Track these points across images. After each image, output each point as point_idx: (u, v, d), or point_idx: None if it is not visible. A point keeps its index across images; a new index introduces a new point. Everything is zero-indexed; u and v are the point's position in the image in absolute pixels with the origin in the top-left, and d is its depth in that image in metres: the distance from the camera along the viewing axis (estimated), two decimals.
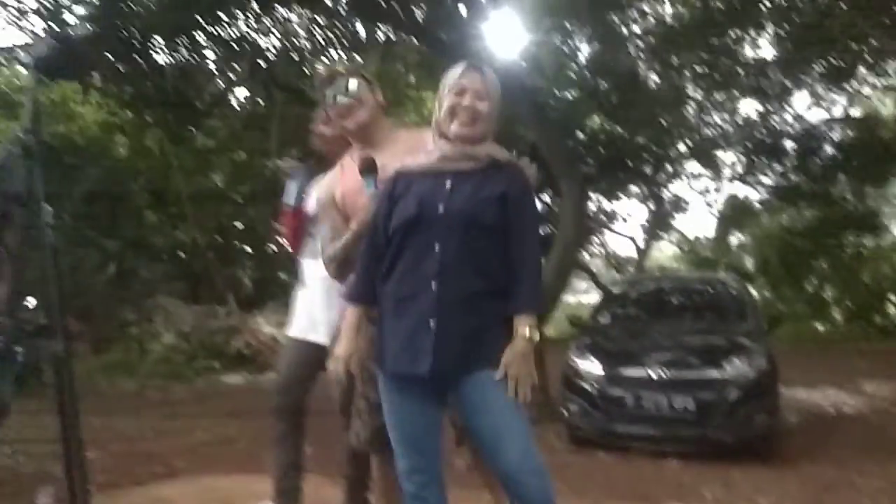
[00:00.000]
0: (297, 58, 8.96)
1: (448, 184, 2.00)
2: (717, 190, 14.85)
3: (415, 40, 9.12)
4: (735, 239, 16.78)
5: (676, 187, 14.50)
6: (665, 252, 17.85)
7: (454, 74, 2.07)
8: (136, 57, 8.02)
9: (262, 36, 8.64)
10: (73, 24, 7.29)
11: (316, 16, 8.67)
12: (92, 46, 7.73)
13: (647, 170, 12.62)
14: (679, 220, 15.69)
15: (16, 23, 7.55)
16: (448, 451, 2.13)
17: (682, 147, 13.15)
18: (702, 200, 15.23)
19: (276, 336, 9.32)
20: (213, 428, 5.85)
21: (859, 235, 14.84)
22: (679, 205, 14.76)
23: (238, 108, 9.40)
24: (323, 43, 9.13)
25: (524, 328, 1.91)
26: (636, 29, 10.33)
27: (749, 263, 16.39)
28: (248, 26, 8.35)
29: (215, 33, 8.02)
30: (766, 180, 13.78)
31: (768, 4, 9.05)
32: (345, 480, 2.88)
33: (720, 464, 4.61)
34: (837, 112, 13.08)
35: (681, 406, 4.83)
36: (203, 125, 9.00)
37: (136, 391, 8.30)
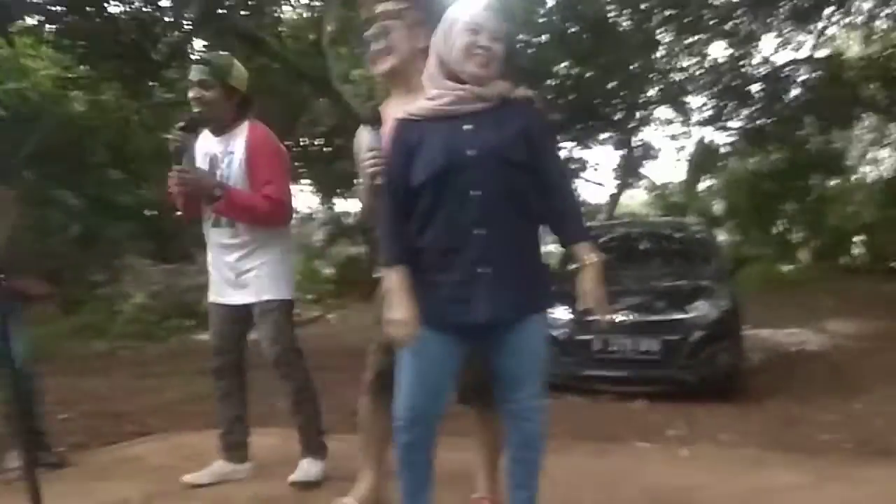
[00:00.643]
0: (255, 4, 8.67)
1: (468, 126, 1.93)
2: (686, 135, 14.93)
3: None
4: (705, 184, 16.91)
5: (647, 133, 14.53)
6: (636, 198, 17.97)
7: (467, 12, 1.98)
8: (89, 8, 7.73)
9: None
10: None
11: None
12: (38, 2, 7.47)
13: (618, 116, 12.56)
14: (650, 166, 15.76)
15: None
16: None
17: (651, 92, 13.10)
18: (672, 146, 15.30)
19: None
20: (184, 386, 5.83)
21: (825, 177, 15.04)
22: (649, 151, 14.81)
23: (196, 60, 9.11)
24: None
25: (589, 256, 1.92)
26: None
27: (718, 208, 16.57)
28: None
29: None
30: (735, 124, 13.83)
31: None
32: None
33: (685, 403, 4.74)
34: (804, 54, 13.10)
35: (646, 348, 4.94)
36: (161, 78, 8.72)
37: (107, 352, 8.25)
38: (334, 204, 16.48)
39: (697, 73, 13.25)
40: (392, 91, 2.42)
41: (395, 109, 2.23)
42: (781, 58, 13.26)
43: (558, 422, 4.51)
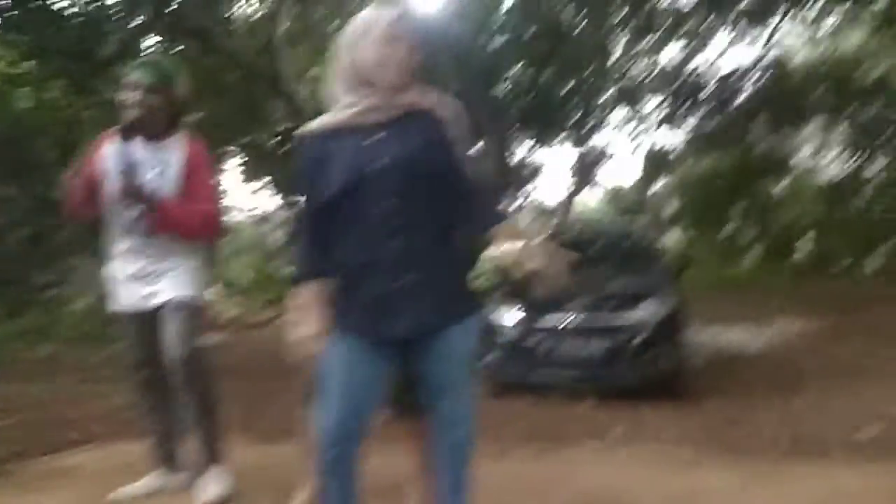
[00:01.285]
0: (209, 2, 8.53)
1: (377, 137, 1.92)
2: (640, 137, 15.17)
3: None
4: (658, 185, 17.21)
5: (602, 135, 14.71)
6: (592, 200, 18.23)
7: (383, 21, 1.94)
8: (33, 4, 7.52)
9: None
10: None
11: None
12: None
13: (573, 118, 12.70)
14: (606, 168, 15.99)
15: None
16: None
17: (606, 95, 13.28)
18: (627, 148, 15.55)
19: None
20: (130, 391, 5.71)
21: (775, 178, 15.42)
22: (604, 153, 14.99)
23: (143, 62, 8.95)
24: None
25: (512, 234, 1.95)
26: None
27: (671, 209, 16.88)
28: None
29: None
30: (687, 126, 14.12)
31: None
32: None
33: (630, 404, 4.83)
34: (755, 56, 13.43)
35: (592, 351, 5.02)
36: (108, 75, 8.52)
37: (52, 356, 8.04)
38: (293, 204, 16.27)
39: (651, 75, 13.48)
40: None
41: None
42: (733, 61, 13.62)
43: (506, 424, 4.60)
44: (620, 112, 14.21)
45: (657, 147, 15.33)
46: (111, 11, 7.99)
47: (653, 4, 11.21)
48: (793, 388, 5.38)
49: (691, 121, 13.87)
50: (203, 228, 2.82)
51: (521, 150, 13.58)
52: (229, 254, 14.65)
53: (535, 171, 14.80)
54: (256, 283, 14.54)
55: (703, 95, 13.44)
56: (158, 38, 8.31)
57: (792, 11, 11.74)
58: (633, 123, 14.61)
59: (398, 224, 1.88)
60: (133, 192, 2.71)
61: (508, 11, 10.64)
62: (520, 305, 5.41)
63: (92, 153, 2.89)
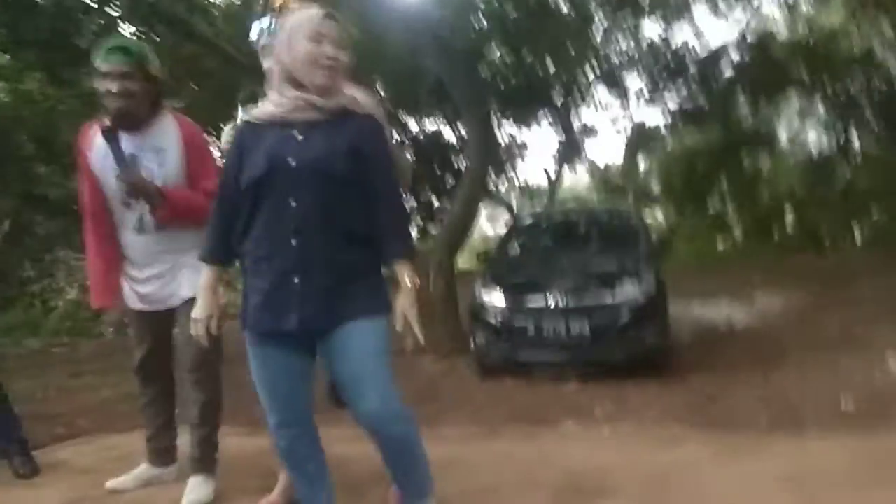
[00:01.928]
0: None
1: (298, 136, 1.94)
2: (624, 116, 15.21)
3: None
4: (643, 164, 17.27)
5: (586, 115, 14.72)
6: (577, 180, 18.25)
7: (309, 20, 1.96)
8: None
9: None
10: None
11: None
12: None
13: (556, 98, 12.71)
14: (591, 149, 16.00)
15: None
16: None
17: (590, 74, 13.29)
18: (611, 127, 15.57)
19: None
20: (118, 385, 5.72)
21: (756, 154, 15.51)
22: (588, 132, 15.01)
23: (109, 48, 8.85)
24: None
25: (403, 277, 1.95)
26: None
27: (655, 186, 16.95)
28: None
29: None
30: (670, 104, 14.16)
31: None
32: None
33: (615, 383, 4.89)
34: (735, 32, 13.45)
35: (577, 331, 5.08)
36: (86, 66, 8.42)
37: (40, 350, 8.04)
38: None
39: (633, 52, 13.47)
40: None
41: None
42: (714, 37, 13.63)
43: (493, 406, 4.67)
44: (604, 91, 14.23)
45: (641, 125, 15.37)
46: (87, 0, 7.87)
47: None
48: (775, 363, 5.43)
49: (674, 98, 13.90)
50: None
51: (506, 131, 13.59)
52: None
53: (519, 151, 14.81)
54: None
55: (685, 72, 13.46)
56: (135, 27, 8.18)
57: None
58: (617, 102, 14.63)
59: (299, 222, 1.90)
60: (136, 187, 2.62)
61: None
62: (505, 286, 5.45)
63: (79, 150, 2.79)
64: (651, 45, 13.35)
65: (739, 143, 14.74)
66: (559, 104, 12.90)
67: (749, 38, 13.30)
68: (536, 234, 7.01)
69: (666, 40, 13.23)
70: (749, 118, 14.53)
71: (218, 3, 9.87)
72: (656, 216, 15.87)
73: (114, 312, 2.91)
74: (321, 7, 2.07)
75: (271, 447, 2.52)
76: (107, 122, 2.66)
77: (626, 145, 16.19)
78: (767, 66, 13.03)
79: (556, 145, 14.57)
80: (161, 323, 2.86)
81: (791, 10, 13.36)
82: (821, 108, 14.92)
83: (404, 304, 1.94)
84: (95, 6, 7.55)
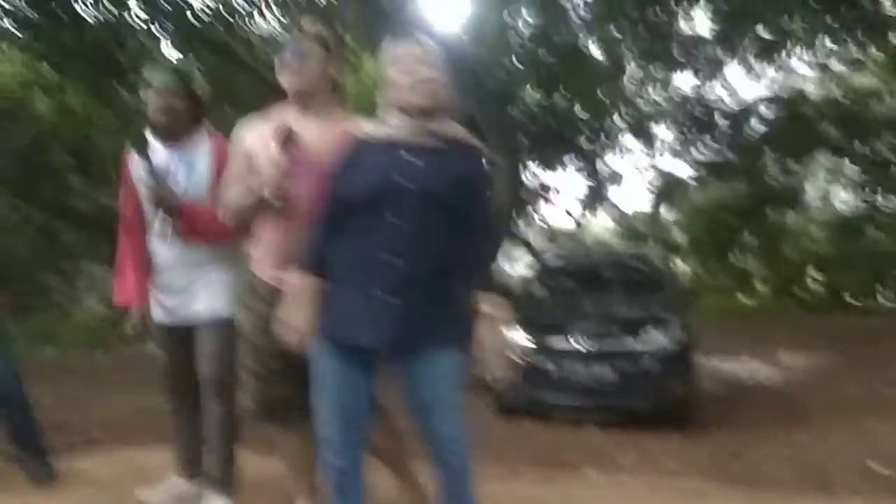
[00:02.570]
0: (228, 17, 8.64)
1: (410, 159, 1.97)
2: (651, 165, 15.21)
3: (353, 3, 8.94)
4: (667, 213, 17.20)
5: (612, 161, 14.76)
6: (601, 225, 18.19)
7: (404, 48, 2.05)
8: (57, 10, 7.63)
9: None
10: None
11: None
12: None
13: (584, 142, 12.77)
14: (615, 194, 15.98)
15: None
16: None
17: (618, 120, 13.34)
18: (637, 174, 15.56)
19: None
20: (134, 398, 5.70)
21: (783, 211, 15.41)
22: (615, 178, 15.01)
23: (160, 69, 9.10)
24: (258, 2, 8.84)
25: (487, 307, 1.95)
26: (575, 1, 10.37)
27: (679, 237, 16.85)
28: None
29: None
30: (697, 155, 14.14)
31: None
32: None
33: (637, 431, 4.80)
34: (766, 89, 13.48)
35: (601, 376, 5.01)
36: (127, 82, 8.61)
37: (57, 359, 8.06)
38: None
39: (662, 103, 13.54)
40: (295, 107, 2.38)
41: (295, 124, 2.27)
42: (745, 92, 13.65)
43: (513, 446, 4.58)
44: (631, 138, 14.27)
45: (667, 174, 15.35)
46: (132, 19, 8.09)
47: (666, 33, 11.30)
48: (799, 422, 5.34)
49: (702, 150, 13.89)
50: (232, 231, 2.67)
51: (533, 173, 13.62)
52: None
53: (545, 194, 14.82)
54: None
55: (714, 126, 13.49)
56: (177, 47, 8.40)
57: (800, 49, 11.81)
58: (644, 150, 14.66)
59: (401, 244, 1.93)
60: (161, 199, 2.67)
61: (523, 35, 10.75)
62: (528, 326, 5.40)
63: (125, 162, 2.89)
64: (681, 97, 13.43)
65: (766, 198, 14.65)
66: (587, 149, 12.96)
67: (779, 95, 13.34)
68: (561, 275, 6.96)
69: (696, 93, 13.32)
70: (777, 174, 14.48)
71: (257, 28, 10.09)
72: (679, 267, 15.75)
73: (136, 313, 2.90)
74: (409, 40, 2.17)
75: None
76: (146, 133, 2.76)
77: (652, 194, 16.17)
78: (797, 124, 13.02)
79: (582, 189, 14.62)
80: (184, 337, 2.85)
81: (823, 69, 13.40)
82: (849, 168, 14.85)
83: (485, 334, 1.94)
84: (143, 25, 7.74)
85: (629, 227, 16.95)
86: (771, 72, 12.84)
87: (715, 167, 14.24)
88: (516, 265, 12.17)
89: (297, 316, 1.99)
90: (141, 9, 8.08)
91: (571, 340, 5.16)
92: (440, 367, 1.96)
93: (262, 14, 9.26)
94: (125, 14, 7.98)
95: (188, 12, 8.04)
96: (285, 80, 2.32)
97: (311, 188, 2.13)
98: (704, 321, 7.48)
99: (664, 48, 11.53)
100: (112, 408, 5.51)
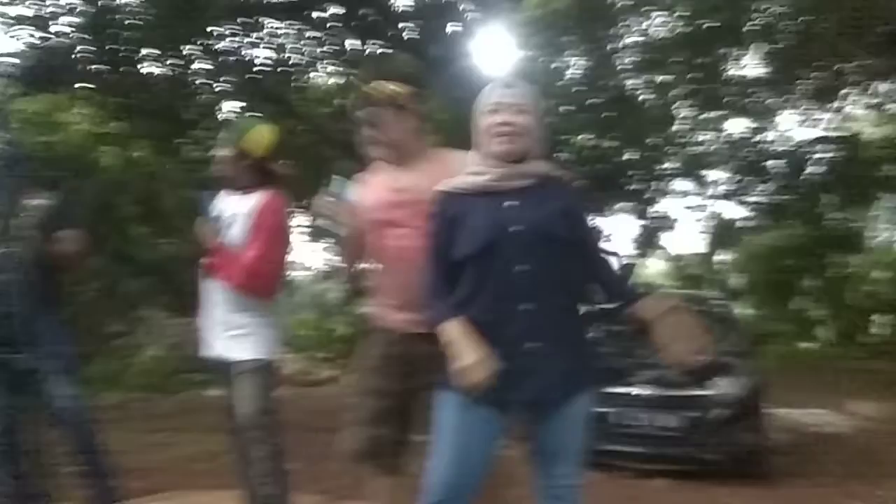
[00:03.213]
0: (287, 70, 8.97)
1: (509, 203, 1.97)
2: (704, 208, 14.96)
3: (404, 55, 9.18)
4: (722, 257, 16.86)
5: (664, 204, 14.60)
6: (653, 269, 17.91)
7: (489, 93, 2.06)
8: (124, 67, 8.02)
9: (251, 48, 8.66)
10: (54, 35, 7.31)
11: (306, 30, 8.71)
12: (75, 58, 7.76)
13: (635, 186, 12.68)
14: (667, 238, 15.76)
15: (6, 32, 7.55)
16: None
17: (669, 165, 13.24)
18: (690, 218, 15.33)
19: None
20: (195, 442, 5.78)
21: (844, 255, 14.94)
22: (667, 222, 14.81)
23: (227, 123, 9.46)
24: (313, 56, 9.16)
25: (659, 301, 1.99)
26: (625, 45, 10.45)
27: (735, 281, 16.47)
28: (238, 39, 8.37)
29: (206, 45, 8.03)
30: (753, 199, 13.88)
31: (753, 24, 9.18)
32: None
33: (705, 483, 4.60)
34: (823, 131, 13.22)
35: (665, 424, 4.83)
36: (190, 136, 8.96)
37: (119, 404, 8.21)
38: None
39: (715, 147, 13.39)
40: (385, 161, 2.45)
41: (385, 178, 2.37)
42: (800, 135, 13.41)
43: None
44: (684, 182, 14.11)
45: (722, 218, 15.08)
46: (197, 76, 8.45)
47: (717, 77, 11.26)
48: (878, 475, 5.07)
49: (758, 193, 13.63)
50: (244, 285, 2.81)
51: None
52: (287, 311, 14.91)
53: (597, 237, 14.73)
54: (314, 341, 14.68)
55: (768, 169, 13.26)
56: (239, 102, 8.72)
57: (857, 92, 11.62)
58: (697, 194, 14.47)
59: (528, 289, 1.90)
60: (202, 238, 2.88)
61: (573, 78, 10.85)
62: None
63: None
64: (733, 139, 13.28)
65: (826, 241, 14.26)
66: (638, 193, 12.86)
67: (836, 136, 13.06)
68: (617, 318, 6.82)
69: (750, 136, 13.16)
70: (836, 217, 14.09)
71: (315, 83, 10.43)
72: (741, 311, 15.33)
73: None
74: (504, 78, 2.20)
75: None
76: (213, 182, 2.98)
77: (706, 237, 15.90)
78: (855, 165, 12.71)
79: (633, 232, 14.47)
80: (229, 376, 2.90)
81: (879, 108, 13.12)
82: None
83: (671, 324, 1.93)
84: (209, 82, 8.06)
85: (682, 270, 16.65)
86: (826, 114, 12.64)
87: (771, 210, 13.96)
88: None
89: (468, 356, 1.88)
90: (203, 64, 8.44)
91: (633, 387, 5.01)
92: (576, 414, 1.98)
93: (318, 68, 9.61)
94: (189, 69, 8.34)
95: (249, 67, 8.36)
96: (368, 151, 2.40)
97: (420, 234, 2.15)
98: (765, 368, 7.22)
99: (715, 92, 11.49)
100: (173, 452, 5.59)
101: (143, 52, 7.86)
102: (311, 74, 9.74)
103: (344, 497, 3.95)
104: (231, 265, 2.81)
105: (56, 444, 2.56)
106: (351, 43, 8.90)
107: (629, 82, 10.98)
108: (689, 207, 14.88)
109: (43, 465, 2.82)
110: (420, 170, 2.32)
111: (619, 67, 10.56)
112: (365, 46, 8.82)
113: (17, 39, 7.51)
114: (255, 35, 8.40)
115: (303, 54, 8.96)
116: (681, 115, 12.09)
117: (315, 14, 8.39)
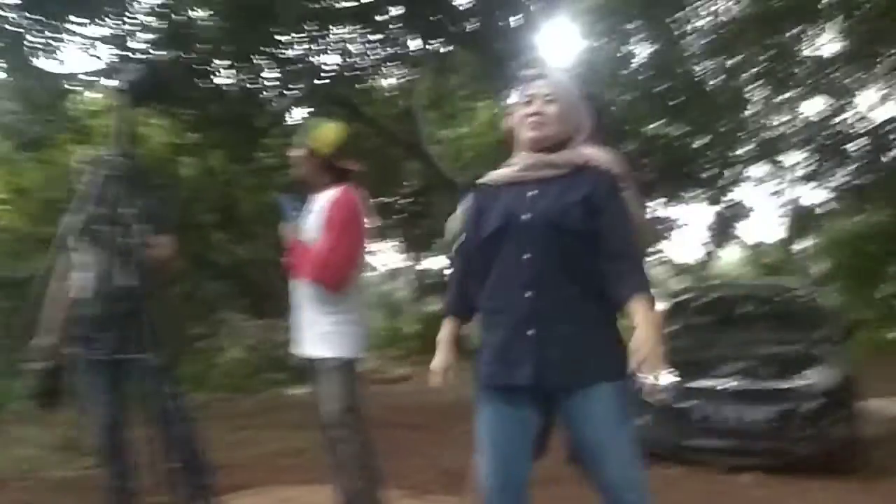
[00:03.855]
0: (352, 74, 9.13)
1: (532, 192, 1.99)
2: (781, 194, 14.43)
3: (468, 52, 9.20)
4: (802, 244, 16.18)
5: (740, 191, 14.13)
6: (729, 259, 17.34)
7: (523, 86, 2.09)
8: (199, 80, 8.32)
9: (319, 55, 8.85)
10: (133, 52, 7.64)
11: (370, 33, 8.83)
12: (157, 73, 8.09)
13: (708, 174, 12.32)
14: (743, 226, 15.25)
15: (85, 51, 7.95)
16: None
17: (743, 150, 12.81)
18: (766, 205, 14.82)
19: None
20: (279, 439, 5.96)
21: None
22: (742, 210, 14.35)
23: (298, 127, 9.70)
24: (378, 59, 9.29)
25: (640, 312, 1.84)
26: (692, 29, 10.18)
27: (817, 269, 15.78)
28: (305, 47, 8.57)
29: (275, 53, 8.25)
30: (833, 182, 13.29)
31: None
32: None
33: (797, 478, 4.43)
34: None
35: (754, 418, 4.67)
36: (263, 144, 9.23)
37: (204, 403, 8.51)
38: (420, 261, 16.76)
39: (791, 130, 12.88)
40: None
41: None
42: (882, 113, 12.75)
43: (660, 494, 4.29)
44: (759, 168, 13.63)
45: (801, 204, 14.50)
46: (268, 84, 8.70)
47: (791, 57, 10.83)
48: None
49: (839, 176, 13.04)
50: (317, 277, 2.88)
51: (656, 207, 13.28)
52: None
53: (670, 228, 14.38)
54: (384, 340, 14.89)
55: (849, 151, 12.66)
56: (308, 108, 8.93)
57: None
58: (774, 179, 13.95)
59: (532, 276, 1.91)
60: (283, 235, 2.98)
61: (640, 66, 10.63)
62: (672, 365, 5.15)
63: None
64: (810, 121, 12.75)
65: None
66: (712, 180, 12.50)
67: None
68: (698, 311, 6.63)
69: (826, 115, 12.60)
70: None
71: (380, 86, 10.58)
72: (827, 299, 14.65)
73: None
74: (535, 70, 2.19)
75: None
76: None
77: (785, 223, 15.30)
78: None
79: (708, 221, 14.08)
80: (315, 374, 2.99)
81: None
82: None
83: (641, 338, 1.79)
84: (283, 91, 8.27)
85: (760, 258, 16.09)
86: None
87: (852, 193, 13.33)
88: None
89: (435, 360, 2.08)
90: (273, 72, 8.67)
91: (719, 380, 4.86)
92: (598, 404, 1.89)
93: (382, 70, 9.75)
94: (259, 78, 8.58)
95: (317, 73, 8.54)
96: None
97: None
98: (854, 358, 6.88)
99: (789, 73, 11.06)
100: (259, 449, 5.75)
101: (216, 63, 8.12)
102: (377, 77, 9.88)
103: (429, 492, 4.00)
104: (306, 261, 2.90)
105: (155, 440, 2.68)
106: (414, 43, 8.97)
107: (698, 67, 10.67)
108: (765, 195, 14.41)
109: (143, 462, 2.99)
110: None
111: (687, 52, 10.28)
112: (427, 46, 8.88)
113: (98, 59, 7.92)
114: (321, 42, 8.58)
115: (367, 57, 9.10)
116: (754, 99, 11.67)
117: (378, 17, 8.49)
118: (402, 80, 10.09)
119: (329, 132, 3.05)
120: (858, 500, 4.08)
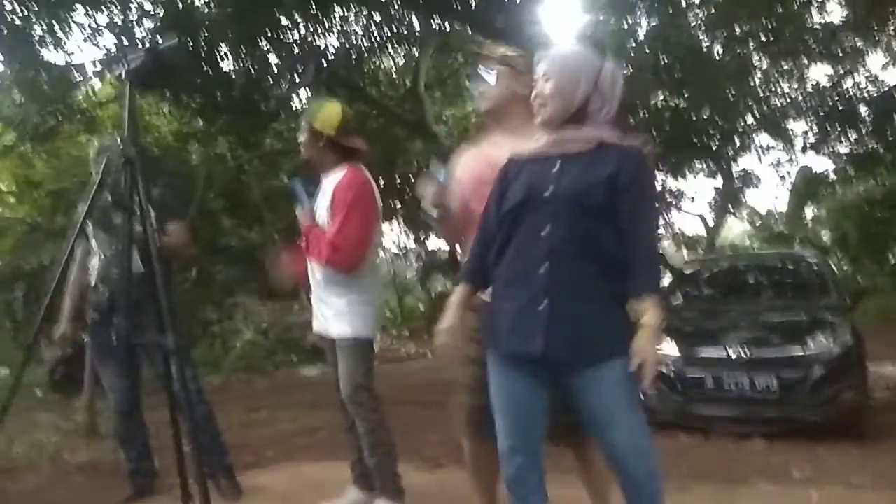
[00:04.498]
0: (355, 56, 9.11)
1: (556, 167, 2.01)
2: (789, 161, 14.34)
3: (469, 29, 9.16)
4: (810, 212, 16.10)
5: (746, 161, 14.05)
6: (736, 229, 17.28)
7: (536, 63, 2.13)
8: (204, 67, 8.33)
9: (321, 37, 8.84)
10: (139, 40, 7.65)
11: (372, 12, 8.80)
12: (164, 61, 8.08)
13: (714, 145, 12.24)
14: (750, 195, 15.18)
15: (90, 40, 7.97)
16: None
17: (749, 119, 12.71)
18: (773, 174, 14.71)
19: None
20: (295, 418, 6.07)
21: None
22: (749, 179, 14.26)
23: (302, 110, 9.69)
24: (380, 39, 9.26)
25: (645, 314, 1.86)
26: None
27: (825, 237, 15.71)
28: (307, 29, 8.55)
29: (277, 37, 8.24)
30: (841, 149, 13.18)
31: None
32: None
33: (807, 443, 4.49)
34: None
35: (763, 385, 4.71)
36: (270, 129, 9.25)
37: (220, 385, 8.65)
38: (427, 240, 16.79)
39: (798, 97, 12.76)
40: (490, 128, 2.56)
41: (490, 146, 2.45)
42: (890, 78, 12.63)
43: (672, 462, 4.39)
44: (766, 137, 13.53)
45: (809, 171, 14.39)
46: (272, 69, 8.69)
47: (797, 24, 10.71)
48: None
49: (844, 143, 12.93)
50: (329, 259, 2.92)
51: (662, 179, 13.23)
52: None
53: (676, 200, 14.34)
54: (393, 319, 15.01)
55: (857, 116, 12.53)
56: (314, 92, 8.92)
57: None
58: (780, 148, 13.85)
59: (549, 250, 1.94)
60: (300, 225, 3.04)
61: (643, 39, 10.55)
62: (675, 335, 5.20)
63: None
64: (816, 87, 12.62)
65: None
66: (717, 150, 12.41)
67: None
68: (705, 281, 6.67)
69: (833, 82, 12.48)
70: None
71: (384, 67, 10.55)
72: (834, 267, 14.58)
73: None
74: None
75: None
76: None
77: (792, 192, 15.20)
78: None
79: (714, 192, 14.02)
80: (333, 352, 3.05)
81: None
82: None
83: (642, 344, 1.84)
84: (287, 75, 8.25)
85: (767, 228, 16.02)
86: None
87: (861, 160, 13.21)
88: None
89: (443, 321, 2.09)
90: (277, 56, 8.65)
91: (728, 349, 4.90)
92: (610, 373, 1.90)
93: (384, 49, 9.71)
94: (260, 62, 8.57)
95: (321, 55, 8.52)
96: (477, 104, 2.51)
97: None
98: (863, 324, 6.89)
99: (796, 41, 10.94)
100: (276, 427, 5.86)
101: (221, 48, 8.12)
102: (380, 58, 9.85)
103: (441, 466, 4.09)
104: (318, 243, 2.94)
105: (174, 423, 2.75)
106: (417, 22, 8.93)
107: (702, 37, 10.57)
108: (773, 164, 14.31)
109: (161, 445, 3.06)
110: (515, 144, 2.29)
111: (691, 24, 10.18)
112: (430, 23, 8.84)
113: (105, 49, 7.94)
114: (325, 24, 8.55)
115: (371, 38, 9.07)
116: (758, 67, 11.57)
117: None
118: (406, 60, 10.06)
119: (330, 111, 3.06)
120: (867, 465, 4.11)
